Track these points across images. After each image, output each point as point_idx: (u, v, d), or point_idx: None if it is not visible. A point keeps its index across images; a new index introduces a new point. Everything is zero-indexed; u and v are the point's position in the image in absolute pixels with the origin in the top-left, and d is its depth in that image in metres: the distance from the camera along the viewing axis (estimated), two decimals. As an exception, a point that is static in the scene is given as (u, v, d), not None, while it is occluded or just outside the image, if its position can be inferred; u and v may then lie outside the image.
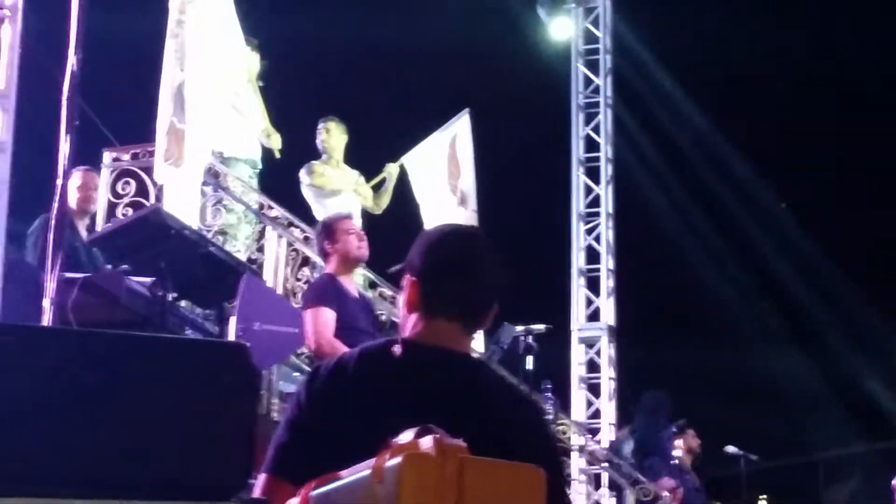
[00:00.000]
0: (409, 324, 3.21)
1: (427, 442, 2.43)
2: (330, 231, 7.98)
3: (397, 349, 3.11)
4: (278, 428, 2.98)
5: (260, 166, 11.07)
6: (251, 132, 10.97)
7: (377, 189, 11.75)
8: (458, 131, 12.62)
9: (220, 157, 10.67)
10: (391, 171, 11.84)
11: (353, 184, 11.40)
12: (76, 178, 8.83)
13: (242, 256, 9.80)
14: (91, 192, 9.22)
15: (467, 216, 12.27)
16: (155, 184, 10.46)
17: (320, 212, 11.11)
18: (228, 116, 10.58)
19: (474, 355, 3.32)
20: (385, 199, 11.76)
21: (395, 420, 2.67)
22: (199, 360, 2.58)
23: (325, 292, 7.68)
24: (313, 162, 11.26)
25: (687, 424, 12.02)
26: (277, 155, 11.07)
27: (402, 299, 3.27)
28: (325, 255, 8.03)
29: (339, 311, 7.48)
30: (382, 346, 3.17)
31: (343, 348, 6.57)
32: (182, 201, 9.71)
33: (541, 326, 9.81)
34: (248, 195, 10.66)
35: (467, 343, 3.25)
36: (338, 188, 11.19)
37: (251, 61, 10.93)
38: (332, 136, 11.30)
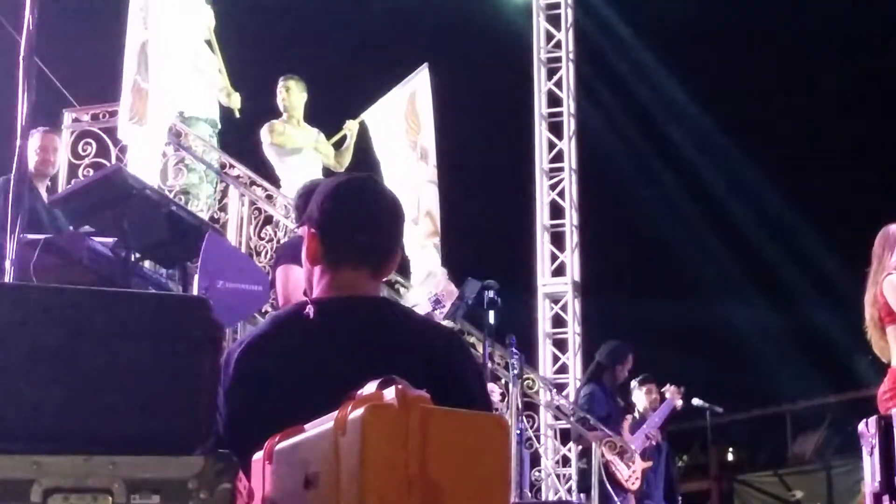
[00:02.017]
0: (315, 278, 3.23)
1: (389, 393, 2.43)
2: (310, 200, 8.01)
3: (310, 311, 3.12)
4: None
5: (219, 126, 11.02)
6: (211, 91, 10.92)
7: (338, 147, 11.71)
8: (418, 87, 12.57)
9: (181, 117, 10.62)
10: (351, 128, 11.79)
11: (314, 142, 11.36)
12: (35, 139, 8.74)
13: (205, 216, 9.78)
14: (50, 155, 9.13)
15: (428, 172, 12.24)
16: (116, 144, 10.42)
17: (282, 170, 11.09)
18: (189, 75, 10.53)
19: (382, 296, 3.35)
20: (347, 157, 11.72)
21: (326, 380, 2.69)
22: (161, 314, 2.57)
23: (297, 251, 7.68)
24: (273, 121, 11.21)
25: (648, 378, 12.06)
26: (237, 114, 11.03)
27: (304, 253, 3.29)
28: (301, 218, 8.05)
29: None
30: (294, 311, 3.18)
31: None
32: (145, 161, 9.68)
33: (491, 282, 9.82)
34: (209, 154, 10.63)
35: (375, 287, 3.28)
36: (299, 146, 11.15)
37: (208, 17, 10.87)
38: (292, 94, 11.25)
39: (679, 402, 11.88)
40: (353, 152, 11.76)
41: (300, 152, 11.11)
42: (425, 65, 12.72)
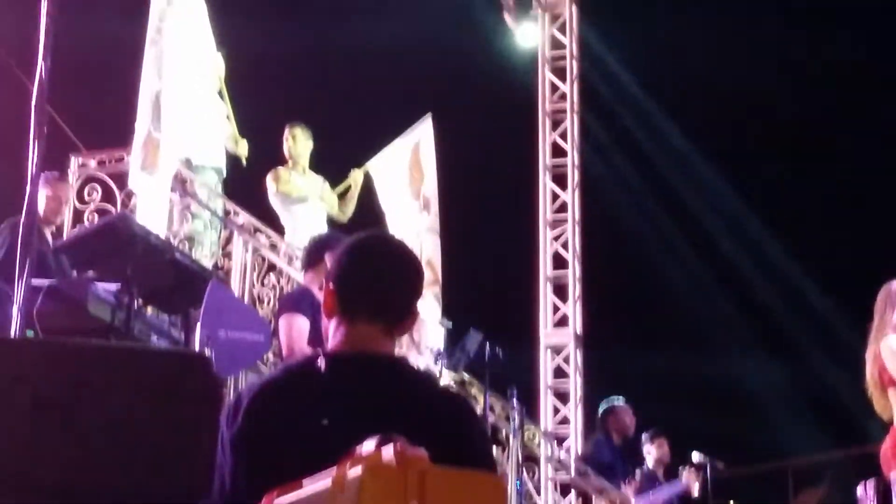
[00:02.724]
0: (330, 332, 3.26)
1: (388, 452, 2.45)
2: (319, 253, 8.05)
3: (321, 363, 3.14)
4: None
5: (225, 173, 11.06)
6: (218, 139, 10.97)
7: (343, 196, 11.74)
8: (421, 136, 12.62)
9: (188, 164, 10.65)
10: (356, 178, 11.83)
11: (319, 191, 11.40)
12: (48, 187, 8.80)
13: (209, 263, 9.81)
14: (62, 205, 9.19)
15: (430, 221, 12.28)
16: (121, 190, 10.47)
17: (287, 218, 11.13)
18: (198, 124, 10.58)
19: (397, 355, 3.38)
20: (350, 207, 11.74)
21: (332, 435, 2.70)
22: (162, 371, 2.60)
23: (302, 302, 7.73)
24: (279, 168, 11.26)
25: (658, 433, 12.05)
26: (244, 162, 11.07)
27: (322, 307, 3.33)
28: (308, 269, 8.07)
29: (312, 323, 7.53)
30: (307, 363, 3.21)
31: None
32: (154, 209, 9.71)
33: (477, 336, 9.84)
34: (214, 201, 10.66)
35: (389, 345, 3.30)
36: (304, 195, 11.19)
37: (220, 67, 10.93)
38: (298, 142, 11.30)
39: (696, 489, 11.81)
40: (357, 202, 11.80)
41: (305, 201, 11.15)
42: (429, 114, 12.77)
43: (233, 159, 11.12)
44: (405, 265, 3.34)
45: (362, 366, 3.18)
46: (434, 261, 12.02)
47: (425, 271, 10.99)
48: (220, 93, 10.91)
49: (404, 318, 3.30)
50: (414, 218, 12.16)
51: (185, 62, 10.21)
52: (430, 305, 11.53)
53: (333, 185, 11.68)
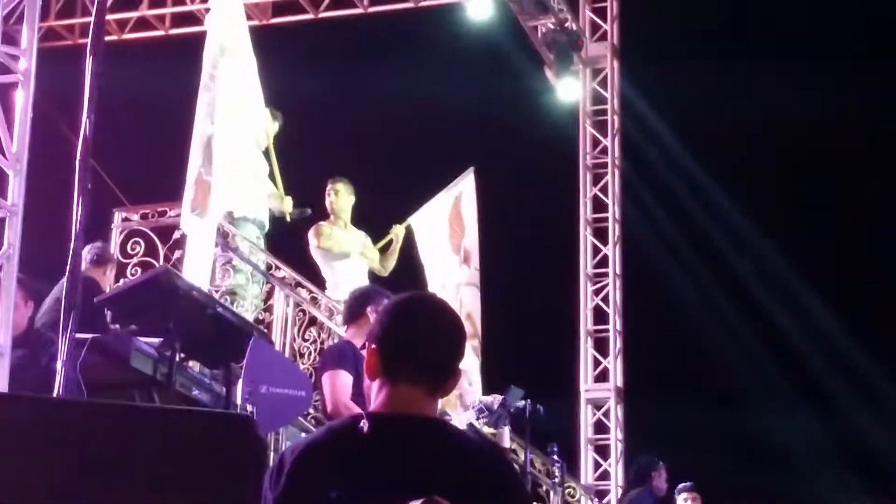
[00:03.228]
0: (373, 392, 3.27)
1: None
2: (361, 307, 8.11)
3: (364, 424, 3.15)
4: None
5: (267, 227, 11.09)
6: (261, 193, 11.01)
7: (384, 251, 11.75)
8: (463, 190, 12.64)
9: (230, 218, 10.70)
10: (398, 232, 11.83)
11: (361, 246, 11.41)
12: (111, 265, 9.11)
13: (250, 317, 9.83)
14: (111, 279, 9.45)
15: (470, 275, 12.28)
16: (165, 243, 10.53)
17: (328, 273, 11.17)
18: (243, 176, 10.62)
19: (440, 417, 3.38)
20: (391, 262, 11.74)
21: (374, 497, 2.71)
22: (208, 432, 2.61)
23: (344, 356, 7.77)
24: (321, 223, 11.29)
25: (692, 488, 12.00)
26: (289, 218, 11.09)
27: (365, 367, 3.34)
28: (350, 323, 8.12)
29: (356, 377, 7.55)
30: (350, 423, 3.21)
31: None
32: (203, 252, 9.72)
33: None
34: (256, 255, 10.70)
35: (432, 406, 3.30)
36: (346, 251, 11.20)
37: (269, 125, 10.96)
38: (341, 197, 11.34)
39: None
40: (398, 256, 11.81)
41: (347, 257, 11.17)
42: (471, 168, 12.79)
43: (274, 214, 11.16)
44: (448, 327, 3.34)
45: (405, 428, 3.18)
46: (473, 314, 12.01)
47: (465, 325, 10.96)
48: (266, 150, 10.92)
49: (447, 379, 3.31)
50: (454, 271, 12.17)
51: (233, 113, 10.26)
52: (469, 359, 11.53)
53: (375, 239, 11.70)
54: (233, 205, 10.69)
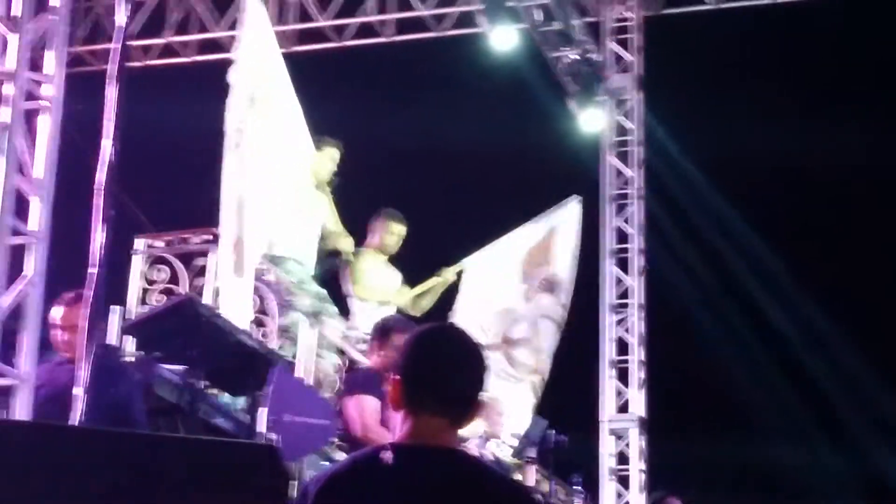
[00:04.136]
0: (397, 423, 3.28)
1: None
2: (386, 337, 8.12)
3: (387, 456, 3.15)
4: None
5: (314, 269, 10.82)
6: (312, 233, 10.82)
7: (422, 293, 11.48)
8: (563, 220, 12.52)
9: (271, 258, 10.57)
10: (447, 276, 11.60)
11: (396, 290, 11.13)
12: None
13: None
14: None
15: (552, 308, 12.17)
16: (189, 270, 10.51)
17: (360, 310, 10.96)
18: (281, 217, 10.49)
19: (461, 448, 3.39)
20: (428, 302, 11.48)
21: None
22: (234, 463, 2.60)
23: (370, 382, 7.79)
24: (365, 258, 10.91)
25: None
26: (351, 258, 10.93)
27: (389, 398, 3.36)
28: (375, 351, 8.13)
29: (382, 404, 7.56)
30: (373, 454, 3.22)
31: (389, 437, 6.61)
32: (240, 307, 9.58)
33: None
34: (298, 296, 10.49)
35: (454, 437, 3.32)
36: (385, 299, 10.91)
37: (319, 162, 10.76)
38: (394, 235, 11.09)
39: None
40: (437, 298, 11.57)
41: (388, 305, 10.86)
42: (575, 197, 12.71)
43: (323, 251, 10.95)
44: (470, 358, 3.36)
45: (427, 459, 3.19)
46: (545, 349, 11.88)
47: (532, 358, 10.76)
48: (318, 187, 10.71)
49: (469, 410, 3.33)
50: (518, 300, 11.98)
51: (269, 159, 10.14)
52: (519, 392, 11.38)
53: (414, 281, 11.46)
54: (273, 245, 10.58)
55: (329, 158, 10.88)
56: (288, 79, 10.54)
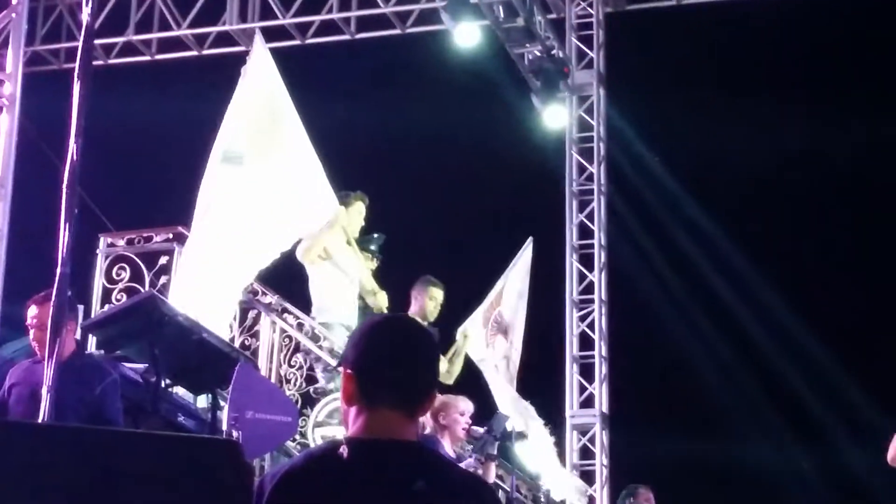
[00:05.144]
0: (350, 418, 3.25)
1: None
2: (447, 406, 8.25)
3: (344, 450, 3.14)
4: None
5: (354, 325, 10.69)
6: (349, 295, 10.66)
7: (451, 359, 11.37)
8: (518, 263, 12.56)
9: (321, 324, 10.44)
10: (466, 334, 11.47)
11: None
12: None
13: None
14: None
15: (505, 349, 12.20)
16: (150, 269, 10.49)
17: None
18: (326, 283, 10.37)
19: (417, 441, 3.38)
20: (457, 368, 11.31)
21: None
22: (194, 458, 2.60)
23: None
24: None
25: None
26: (385, 311, 10.75)
27: (341, 392, 3.32)
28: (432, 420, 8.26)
29: None
30: (329, 450, 3.20)
31: None
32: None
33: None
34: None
35: (411, 429, 3.29)
36: None
37: (349, 219, 10.58)
38: (434, 301, 10.86)
39: None
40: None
41: None
42: (529, 239, 12.73)
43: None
44: (426, 350, 3.34)
45: (385, 453, 3.18)
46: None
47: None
48: (348, 243, 10.53)
49: (425, 401, 3.31)
50: (483, 351, 12.00)
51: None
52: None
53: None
54: (321, 310, 10.47)
55: (357, 213, 10.63)
56: (300, 134, 10.17)
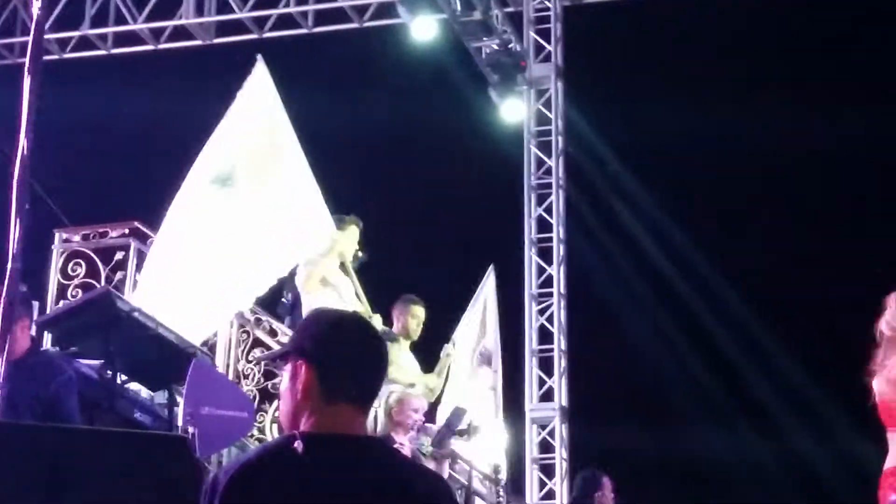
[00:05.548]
0: (303, 412, 3.23)
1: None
2: (402, 403, 8.27)
3: (299, 445, 3.12)
4: None
5: None
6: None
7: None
8: (488, 292, 12.62)
9: None
10: (450, 352, 11.37)
11: (419, 376, 10.80)
12: None
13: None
14: None
15: (492, 378, 12.27)
16: (106, 265, 10.43)
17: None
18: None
19: (373, 435, 3.41)
20: (440, 383, 11.16)
21: None
22: (144, 454, 2.58)
23: None
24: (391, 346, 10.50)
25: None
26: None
27: (289, 386, 3.28)
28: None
29: None
30: (283, 445, 3.19)
31: None
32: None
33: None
34: None
35: (364, 424, 3.31)
36: (412, 381, 10.58)
37: (343, 243, 10.52)
38: (416, 319, 10.79)
39: None
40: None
41: (413, 387, 10.52)
42: (491, 266, 12.77)
43: None
44: (381, 348, 3.37)
45: (343, 448, 3.17)
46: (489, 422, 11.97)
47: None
48: (341, 266, 10.45)
49: (375, 397, 3.35)
50: (468, 377, 12.06)
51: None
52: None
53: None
54: None
55: (351, 237, 10.54)
56: (299, 157, 10.09)
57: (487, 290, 12.66)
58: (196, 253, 9.39)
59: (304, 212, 9.81)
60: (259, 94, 10.07)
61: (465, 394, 11.78)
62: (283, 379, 3.31)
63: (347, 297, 10.31)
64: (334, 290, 10.22)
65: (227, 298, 9.53)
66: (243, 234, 9.55)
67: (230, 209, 9.58)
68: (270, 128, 10.01)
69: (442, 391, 11.20)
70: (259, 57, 10.42)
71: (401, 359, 10.42)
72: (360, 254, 10.59)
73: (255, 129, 9.93)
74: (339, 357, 3.26)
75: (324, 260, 10.04)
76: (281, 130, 10.01)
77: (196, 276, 9.36)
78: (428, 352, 11.30)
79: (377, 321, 10.45)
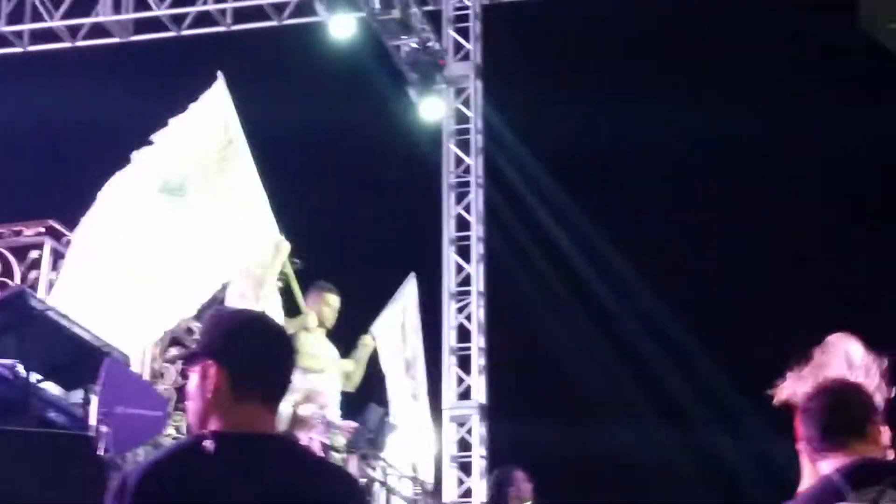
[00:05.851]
0: (212, 412, 3.23)
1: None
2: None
3: (209, 444, 3.13)
4: None
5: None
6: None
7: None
8: (407, 301, 12.64)
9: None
10: (367, 342, 11.35)
11: (334, 361, 10.76)
12: None
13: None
14: None
15: (415, 386, 12.32)
16: (21, 262, 10.34)
17: (301, 382, 10.60)
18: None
19: (283, 434, 3.42)
20: (359, 375, 11.12)
21: None
22: (48, 452, 2.59)
23: None
24: (301, 333, 10.40)
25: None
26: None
27: (198, 386, 3.28)
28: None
29: None
30: (194, 443, 3.19)
31: None
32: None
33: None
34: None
35: (274, 422, 3.32)
36: (321, 367, 10.55)
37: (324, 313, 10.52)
38: (330, 308, 10.76)
39: None
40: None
41: (322, 372, 10.54)
42: (412, 275, 12.78)
43: None
44: (290, 346, 3.38)
45: (252, 447, 3.18)
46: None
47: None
48: (284, 276, 10.39)
49: (285, 394, 3.35)
50: (403, 384, 12.13)
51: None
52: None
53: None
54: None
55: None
56: (250, 170, 10.13)
57: (408, 299, 12.67)
58: (139, 259, 9.36)
59: (250, 222, 9.89)
60: (216, 108, 10.11)
61: (392, 393, 11.83)
62: (192, 379, 3.30)
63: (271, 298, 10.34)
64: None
65: (171, 304, 9.51)
66: (191, 242, 9.57)
67: (179, 218, 9.58)
68: (225, 140, 10.04)
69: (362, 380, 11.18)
70: (220, 74, 10.43)
71: (314, 347, 10.43)
72: (295, 260, 10.61)
73: (209, 142, 9.96)
74: (247, 356, 3.25)
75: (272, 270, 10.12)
76: (235, 145, 10.07)
77: (139, 281, 9.33)
78: (351, 346, 11.31)
79: (313, 319, 10.41)
